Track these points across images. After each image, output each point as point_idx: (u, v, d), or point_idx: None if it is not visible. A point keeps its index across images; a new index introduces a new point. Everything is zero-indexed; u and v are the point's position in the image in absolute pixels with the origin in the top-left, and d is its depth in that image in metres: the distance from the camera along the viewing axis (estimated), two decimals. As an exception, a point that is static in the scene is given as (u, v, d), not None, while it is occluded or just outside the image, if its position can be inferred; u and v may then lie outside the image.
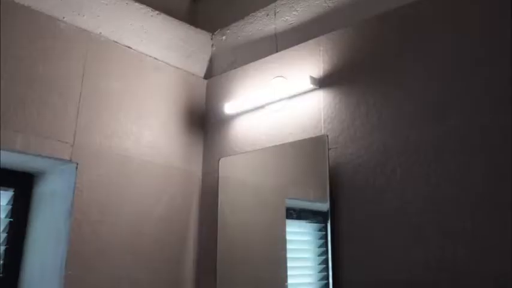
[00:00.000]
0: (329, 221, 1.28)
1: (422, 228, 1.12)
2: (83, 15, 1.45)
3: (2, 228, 1.45)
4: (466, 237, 1.04)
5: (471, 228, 1.04)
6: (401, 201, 1.17)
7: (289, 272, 1.40)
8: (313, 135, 1.40)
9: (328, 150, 1.34)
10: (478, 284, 1.01)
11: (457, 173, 1.08)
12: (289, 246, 1.42)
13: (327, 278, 1.26)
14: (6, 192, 1.48)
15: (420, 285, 1.10)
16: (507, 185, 1.00)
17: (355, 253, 1.23)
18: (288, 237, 1.43)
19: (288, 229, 1.44)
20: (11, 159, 1.37)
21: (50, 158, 1.34)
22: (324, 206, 1.30)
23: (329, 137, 1.35)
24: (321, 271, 1.30)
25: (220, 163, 1.64)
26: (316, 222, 1.37)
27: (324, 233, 1.30)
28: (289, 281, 1.39)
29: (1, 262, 1.43)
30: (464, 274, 1.03)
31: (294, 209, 1.46)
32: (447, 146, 1.11)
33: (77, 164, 1.39)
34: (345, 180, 1.29)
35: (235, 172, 1.63)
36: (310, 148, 1.42)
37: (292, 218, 1.45)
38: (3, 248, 1.44)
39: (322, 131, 1.38)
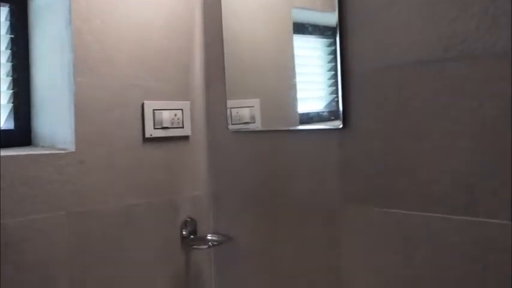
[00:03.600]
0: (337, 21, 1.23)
1: (436, 4, 1.07)
2: None
3: (4, 46, 1.44)
4: (479, 11, 1.00)
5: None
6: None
7: (298, 86, 1.38)
8: None
9: None
10: (482, 57, 0.99)
11: None
12: (297, 61, 1.39)
13: (336, 92, 1.25)
14: (3, 8, 1.43)
15: (427, 64, 1.08)
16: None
17: (364, 46, 1.20)
18: (296, 52, 1.40)
19: (296, 44, 1.40)
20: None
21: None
22: (333, 16, 1.24)
23: None
24: (330, 85, 1.28)
25: (220, -36, 1.55)
26: (324, 37, 1.31)
27: (333, 48, 1.25)
28: (299, 95, 1.38)
29: (11, 78, 1.44)
30: (470, 51, 1.01)
31: (301, 23, 1.40)
32: None
33: (69, -32, 1.31)
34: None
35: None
36: None
37: (300, 33, 1.40)
38: (10, 64, 1.44)
39: None
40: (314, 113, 1.36)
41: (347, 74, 1.24)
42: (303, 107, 1.39)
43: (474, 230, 1.02)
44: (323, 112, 1.33)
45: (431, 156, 1.08)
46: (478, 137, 1.01)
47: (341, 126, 1.25)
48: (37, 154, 1.25)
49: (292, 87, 1.40)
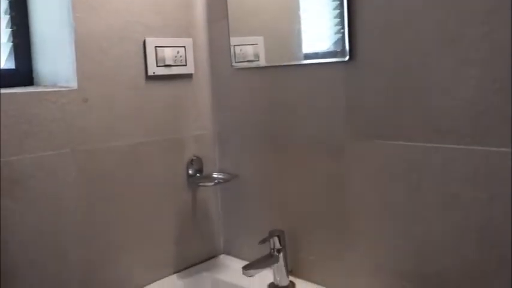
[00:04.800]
0: None
1: None
2: None
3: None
4: None
5: None
6: None
7: (302, 23, 1.35)
8: None
9: None
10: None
11: None
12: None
13: (342, 25, 1.22)
14: None
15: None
16: None
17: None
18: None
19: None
20: None
21: None
22: None
23: None
24: (336, 24, 1.24)
25: None
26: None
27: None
28: (303, 31, 1.34)
29: (9, 16, 1.41)
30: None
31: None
32: None
33: None
34: None
35: None
36: None
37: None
38: (7, 1, 1.41)
39: None
40: (319, 49, 1.32)
41: (354, 5, 1.20)
42: (308, 44, 1.35)
43: (481, 159, 1.01)
44: (328, 47, 1.29)
45: (439, 86, 1.06)
46: (487, 64, 0.99)
47: (347, 58, 1.22)
48: (39, 91, 1.24)
49: (297, 23, 1.36)
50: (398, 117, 1.14)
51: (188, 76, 1.54)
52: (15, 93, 1.20)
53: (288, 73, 1.38)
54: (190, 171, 1.56)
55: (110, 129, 1.36)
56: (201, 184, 1.57)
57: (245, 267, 1.32)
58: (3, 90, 1.20)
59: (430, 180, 1.10)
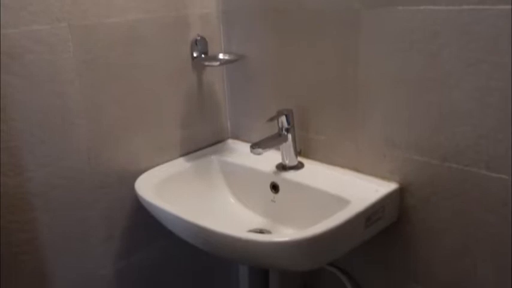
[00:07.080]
0: None
1: None
2: None
3: None
4: None
5: None
6: None
7: None
8: None
9: None
10: None
11: None
12: None
13: None
14: None
15: None
16: None
17: None
18: None
19: None
20: None
21: None
22: None
23: None
24: None
25: None
26: None
27: None
28: None
29: None
30: None
31: None
32: None
33: None
34: None
35: None
36: None
37: None
38: None
39: None
40: None
41: None
42: None
43: (507, 20, 0.94)
44: None
45: None
46: None
47: None
48: (30, -41, 1.15)
49: None
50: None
51: None
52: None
53: None
54: (194, 54, 1.49)
55: (108, 3, 1.28)
56: (206, 64, 1.50)
57: (253, 146, 1.30)
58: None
59: (451, 46, 1.02)
